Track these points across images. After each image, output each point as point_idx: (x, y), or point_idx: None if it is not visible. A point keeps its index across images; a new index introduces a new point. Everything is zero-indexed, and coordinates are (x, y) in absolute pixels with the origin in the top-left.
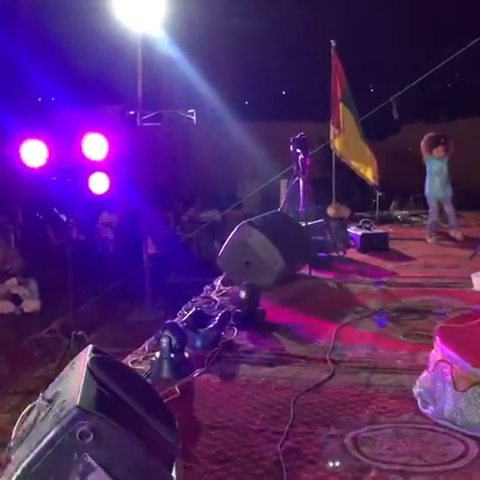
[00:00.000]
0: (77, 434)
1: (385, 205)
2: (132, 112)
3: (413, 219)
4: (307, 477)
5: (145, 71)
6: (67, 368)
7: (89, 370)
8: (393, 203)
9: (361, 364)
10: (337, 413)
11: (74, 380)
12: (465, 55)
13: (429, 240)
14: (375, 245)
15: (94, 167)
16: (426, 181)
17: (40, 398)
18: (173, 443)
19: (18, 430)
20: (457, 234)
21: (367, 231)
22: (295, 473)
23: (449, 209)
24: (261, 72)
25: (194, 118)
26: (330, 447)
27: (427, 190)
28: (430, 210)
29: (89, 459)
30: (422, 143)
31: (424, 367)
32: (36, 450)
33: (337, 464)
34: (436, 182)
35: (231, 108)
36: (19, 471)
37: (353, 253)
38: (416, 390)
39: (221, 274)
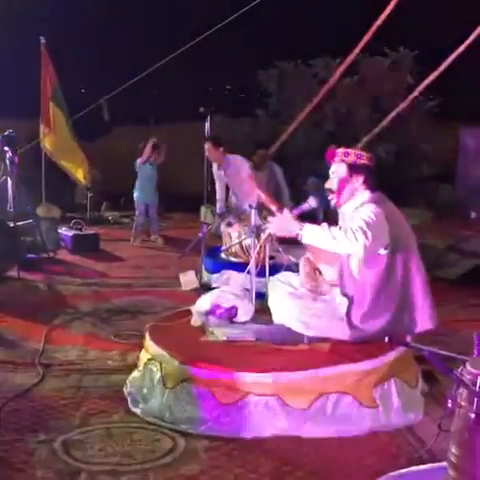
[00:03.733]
0: None
1: (96, 206)
2: None
3: (124, 221)
4: None
5: None
6: None
7: None
8: (104, 204)
9: (72, 366)
10: (46, 418)
11: None
12: (176, 62)
13: (135, 243)
14: (86, 246)
15: None
16: (136, 185)
17: None
18: None
19: None
20: (158, 239)
21: (78, 232)
22: None
23: (153, 214)
24: None
25: None
26: (39, 453)
27: (137, 194)
28: (137, 213)
29: None
30: (141, 149)
31: (134, 366)
32: None
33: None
34: (146, 187)
35: None
36: None
37: (64, 254)
38: (127, 389)
39: None
